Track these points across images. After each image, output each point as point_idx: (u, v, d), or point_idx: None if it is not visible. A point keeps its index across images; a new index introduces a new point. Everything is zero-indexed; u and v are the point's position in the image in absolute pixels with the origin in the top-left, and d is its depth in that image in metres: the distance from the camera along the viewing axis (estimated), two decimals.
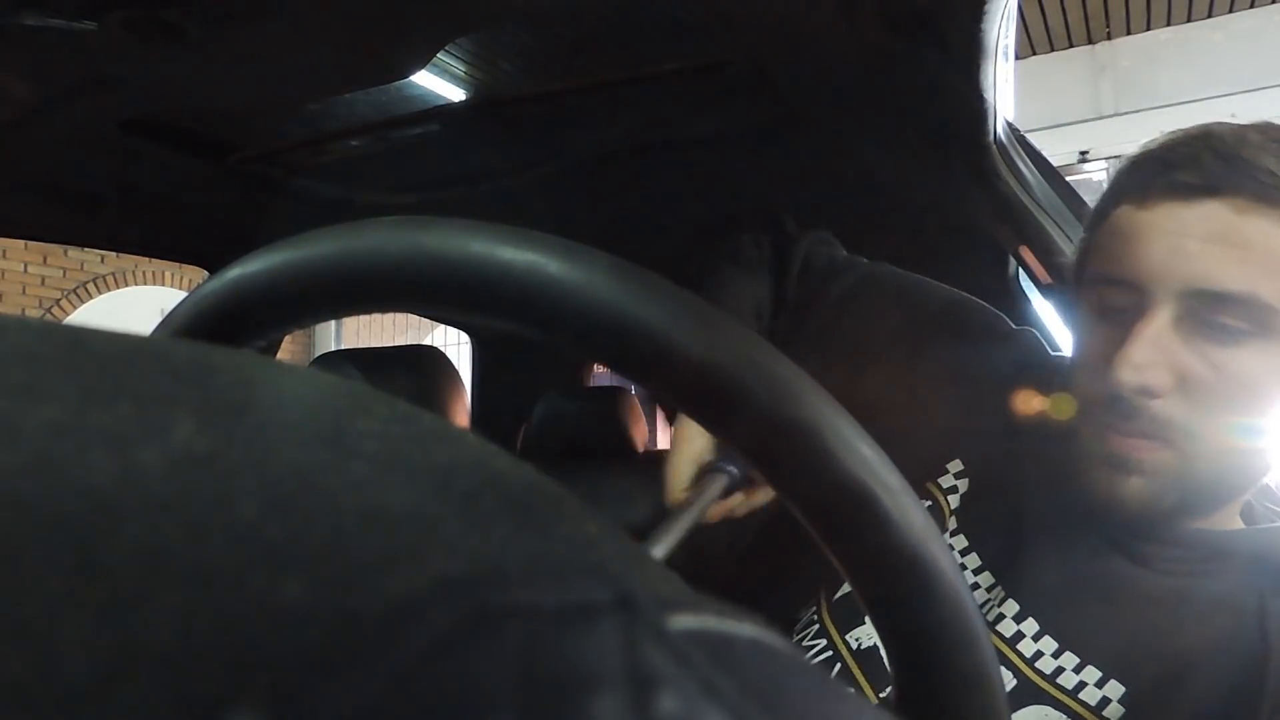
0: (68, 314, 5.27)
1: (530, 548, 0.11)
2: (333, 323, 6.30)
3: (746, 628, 0.12)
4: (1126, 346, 0.54)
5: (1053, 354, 0.76)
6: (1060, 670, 0.57)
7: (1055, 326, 1.17)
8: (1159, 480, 0.56)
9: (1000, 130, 0.99)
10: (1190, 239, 0.54)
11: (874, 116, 1.04)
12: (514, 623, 0.09)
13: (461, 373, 1.55)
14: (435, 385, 1.44)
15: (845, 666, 0.63)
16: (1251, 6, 4.35)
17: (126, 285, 5.62)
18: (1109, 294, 0.58)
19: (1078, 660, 0.57)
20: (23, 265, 5.12)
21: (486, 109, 1.05)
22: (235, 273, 0.29)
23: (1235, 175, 0.54)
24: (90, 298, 5.44)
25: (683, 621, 0.10)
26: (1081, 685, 0.56)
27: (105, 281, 5.51)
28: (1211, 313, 0.53)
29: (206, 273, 1.39)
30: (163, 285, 5.75)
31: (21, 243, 4.71)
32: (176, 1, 0.75)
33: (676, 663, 0.10)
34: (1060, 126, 4.58)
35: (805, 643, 0.66)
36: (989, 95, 0.88)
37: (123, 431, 0.10)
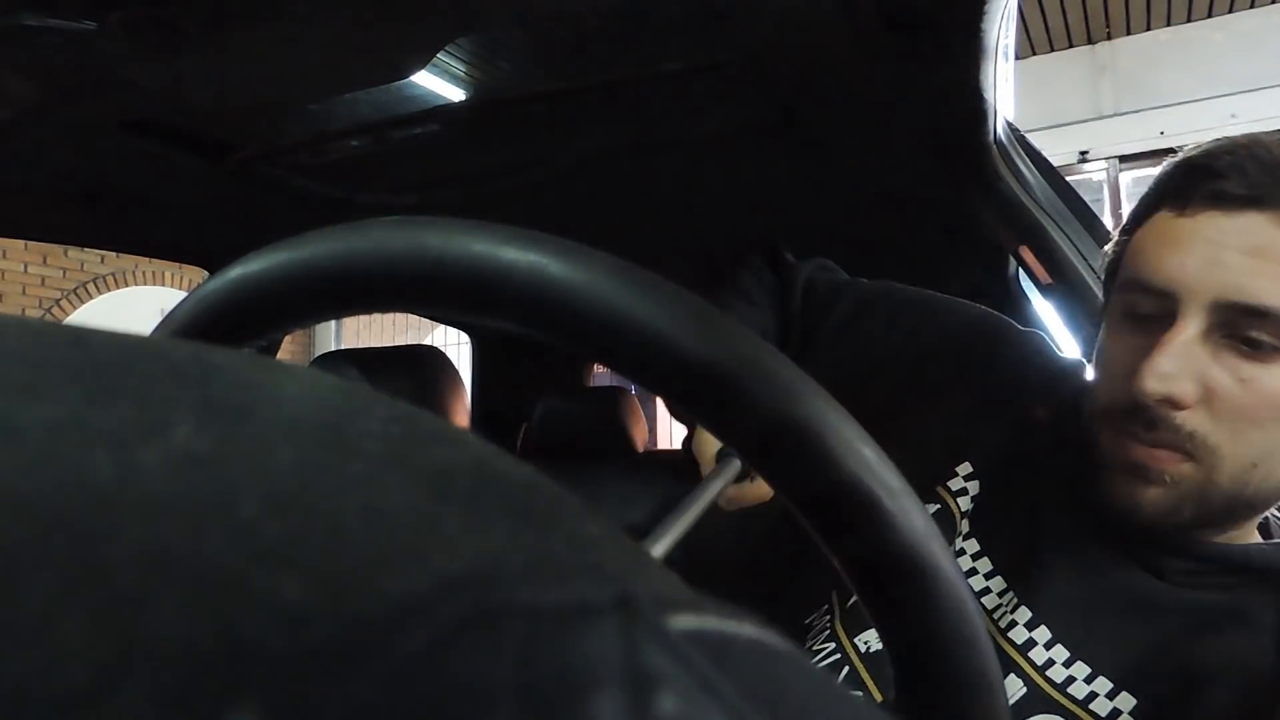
0: (68, 314, 5.27)
1: (530, 548, 0.11)
2: (333, 323, 6.30)
3: (746, 628, 0.12)
4: (1153, 355, 0.53)
5: (1062, 356, 0.76)
6: (1071, 680, 0.57)
7: (1055, 326, 1.17)
8: (1177, 492, 0.55)
9: (1000, 130, 0.99)
10: (1229, 250, 0.53)
11: (874, 116, 1.04)
12: (514, 623, 0.09)
13: (461, 373, 1.55)
14: (435, 385, 1.44)
15: (853, 670, 0.62)
16: (1251, 6, 4.35)
17: (126, 285, 5.62)
18: (1139, 300, 0.57)
19: (1089, 670, 0.57)
20: (23, 265, 5.12)
21: (486, 109, 1.05)
22: (236, 272, 0.29)
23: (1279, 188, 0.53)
24: (90, 298, 5.44)
25: (683, 621, 0.10)
26: (1093, 696, 0.56)
27: (105, 281, 5.51)
28: (1243, 327, 0.53)
29: (206, 273, 1.39)
30: (163, 285, 5.75)
31: (21, 243, 4.71)
32: (176, 1, 0.75)
33: (676, 663, 0.10)
34: (1060, 126, 4.58)
35: (815, 646, 0.66)
36: (989, 95, 0.88)
37: (123, 431, 0.10)
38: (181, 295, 0.32)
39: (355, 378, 1.26)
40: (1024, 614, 0.60)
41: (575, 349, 0.26)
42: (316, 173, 1.23)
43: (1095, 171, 4.59)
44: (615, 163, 1.21)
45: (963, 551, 0.65)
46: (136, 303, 5.57)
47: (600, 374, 3.70)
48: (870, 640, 0.63)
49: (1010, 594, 0.62)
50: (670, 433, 5.49)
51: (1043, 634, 0.59)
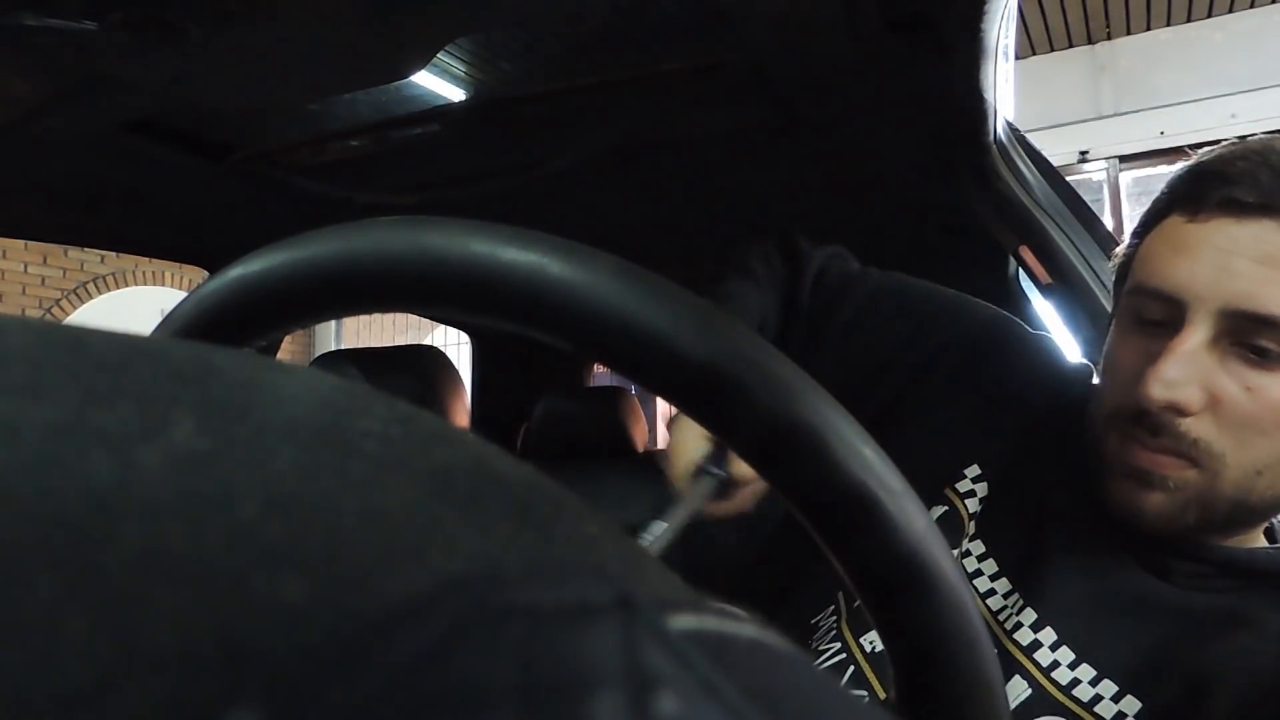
0: (68, 314, 5.27)
1: (530, 548, 0.11)
2: (333, 323, 6.30)
3: (746, 628, 0.12)
4: (1160, 362, 0.53)
5: (1070, 360, 0.76)
6: (1076, 682, 0.57)
7: (1055, 327, 1.17)
8: (1181, 498, 0.55)
9: (1000, 130, 0.99)
10: (1240, 257, 0.53)
11: (874, 116, 1.04)
12: (514, 622, 0.09)
13: (461, 373, 1.56)
14: (435, 385, 1.44)
15: (859, 669, 0.62)
16: (1251, 6, 4.35)
17: (126, 285, 5.62)
18: (1148, 305, 0.57)
19: (1094, 673, 0.57)
20: (23, 265, 5.12)
21: (486, 109, 1.05)
22: (236, 272, 0.29)
23: None
24: (90, 298, 5.44)
25: (683, 621, 0.10)
26: (1097, 699, 0.56)
27: (105, 281, 5.51)
28: (1251, 335, 0.52)
29: (206, 273, 1.39)
30: (163, 285, 5.75)
31: (21, 243, 4.71)
32: (176, 1, 0.75)
33: (676, 663, 0.10)
34: (1060, 126, 4.58)
35: (820, 646, 0.66)
36: (989, 95, 0.88)
37: (123, 431, 0.10)
38: (181, 295, 0.32)
39: (355, 378, 1.26)
40: (1029, 615, 0.60)
41: (575, 350, 0.26)
42: (316, 173, 1.23)
43: (1095, 171, 4.59)
44: (615, 163, 1.21)
45: (968, 553, 0.65)
46: (136, 303, 5.57)
47: (600, 374, 3.70)
48: (875, 640, 0.63)
49: (1015, 595, 0.61)
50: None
51: (1048, 635, 0.59)
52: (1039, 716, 0.56)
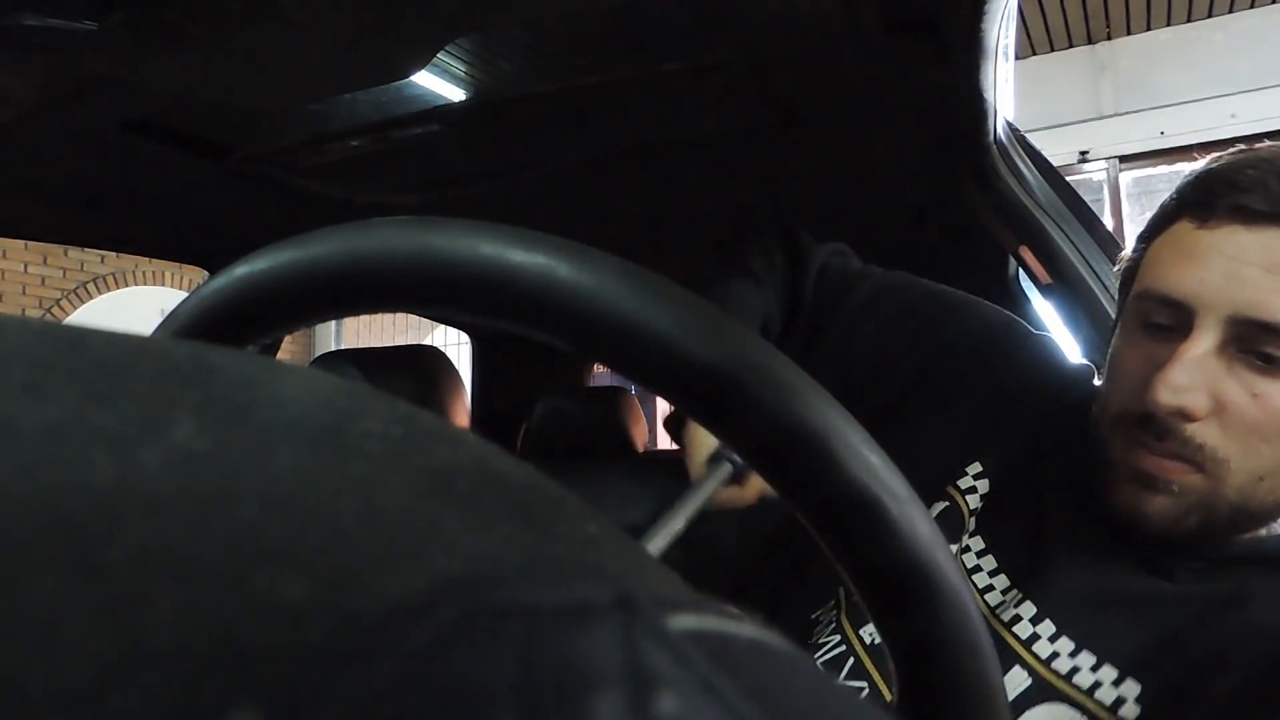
0: (68, 314, 5.27)
1: (530, 548, 0.11)
2: (333, 323, 6.31)
3: (746, 628, 0.12)
4: (1168, 367, 0.54)
5: (1072, 361, 0.76)
6: (1076, 669, 0.57)
7: (1055, 326, 1.17)
8: (1184, 502, 0.56)
9: (1000, 130, 0.99)
10: (1248, 265, 0.53)
11: (874, 116, 1.04)
12: (513, 622, 0.09)
13: (461, 373, 1.55)
14: (435, 385, 1.44)
15: (858, 661, 0.63)
16: (1251, 6, 4.35)
17: (126, 285, 5.62)
18: (1155, 310, 0.57)
19: (1094, 659, 0.57)
20: (23, 265, 5.12)
21: (486, 109, 1.05)
22: (240, 271, 0.29)
23: None
24: (90, 298, 5.44)
25: (683, 621, 0.10)
26: (1097, 685, 0.56)
27: (105, 281, 5.51)
28: (1258, 342, 0.53)
29: (206, 273, 1.39)
30: (163, 285, 5.75)
31: (21, 243, 4.71)
32: (176, 1, 0.75)
33: (676, 663, 0.10)
34: (1060, 126, 4.58)
35: (820, 640, 0.66)
36: (989, 95, 0.88)
37: (123, 431, 0.10)
38: (181, 295, 0.32)
39: (355, 378, 1.26)
40: (1028, 609, 0.60)
41: (580, 352, 0.26)
42: (316, 173, 1.23)
43: (1095, 171, 4.59)
44: (615, 163, 1.21)
45: (968, 549, 0.65)
46: (136, 303, 5.57)
47: (600, 374, 3.70)
48: (875, 632, 0.63)
49: (1014, 590, 0.62)
50: None
51: (1047, 628, 0.59)
52: (1039, 704, 0.56)
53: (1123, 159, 4.53)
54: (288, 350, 5.89)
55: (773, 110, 1.03)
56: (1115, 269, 0.69)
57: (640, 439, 1.78)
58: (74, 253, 5.27)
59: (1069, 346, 1.11)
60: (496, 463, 0.13)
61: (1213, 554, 0.59)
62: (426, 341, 4.00)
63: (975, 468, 0.68)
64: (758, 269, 0.80)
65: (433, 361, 1.47)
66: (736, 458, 0.58)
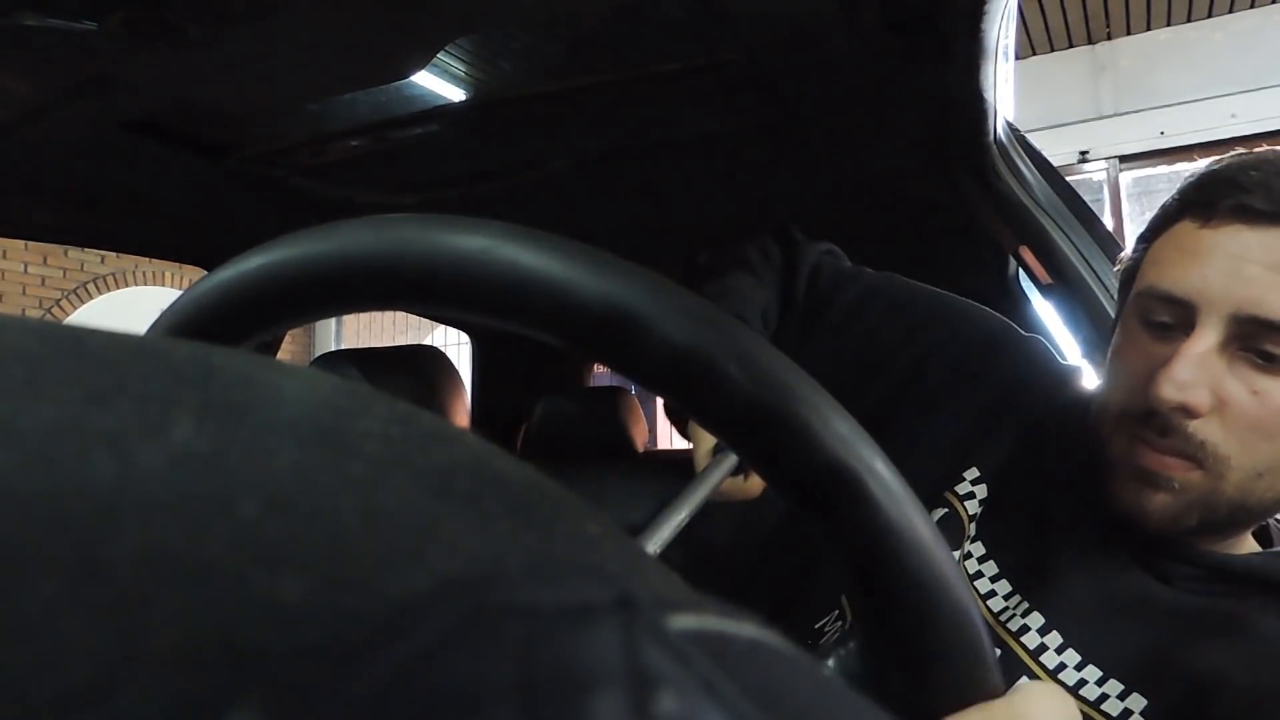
0: (68, 314, 5.27)
1: (530, 548, 0.11)
2: (333, 323, 6.31)
3: (746, 628, 0.12)
4: (1171, 364, 0.54)
5: (1063, 361, 0.76)
6: (1083, 683, 0.57)
7: (1055, 326, 1.17)
8: (1185, 499, 0.56)
9: (1000, 130, 0.99)
10: (1251, 264, 0.54)
11: (874, 116, 1.04)
12: (513, 623, 0.09)
13: (461, 373, 1.55)
14: (435, 385, 1.44)
15: None
16: (1251, 6, 4.35)
17: (126, 285, 5.62)
18: (1157, 308, 0.58)
19: (1100, 673, 0.57)
20: (23, 265, 5.12)
21: (486, 109, 1.04)
22: (226, 273, 0.30)
23: None
24: (90, 298, 5.44)
25: (683, 621, 0.10)
26: (1104, 697, 0.56)
27: (105, 281, 5.51)
28: (1260, 340, 0.54)
29: (206, 273, 1.39)
30: (163, 285, 5.75)
31: (21, 243, 4.72)
32: (176, 1, 0.75)
33: (676, 663, 0.10)
34: (1060, 126, 4.58)
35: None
36: (989, 95, 0.88)
37: (123, 431, 0.10)
38: None
39: (355, 378, 1.26)
40: (1036, 619, 0.60)
41: (551, 340, 0.26)
42: (316, 173, 1.23)
43: (1095, 171, 4.59)
44: (615, 163, 1.21)
45: (969, 555, 0.65)
46: (136, 303, 5.58)
47: (600, 374, 3.70)
48: None
49: (1017, 597, 0.62)
50: (670, 433, 5.49)
51: (1054, 639, 0.59)
52: None
53: (1123, 159, 4.53)
54: (288, 350, 5.89)
55: (772, 110, 1.02)
56: (1115, 269, 0.69)
57: (640, 439, 1.78)
58: (74, 253, 5.27)
59: (1069, 346, 1.11)
60: (496, 463, 0.13)
61: (1208, 561, 0.59)
62: (426, 341, 4.00)
63: (973, 473, 0.68)
64: (754, 264, 0.81)
65: (433, 361, 1.47)
66: None
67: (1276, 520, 0.67)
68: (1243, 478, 0.55)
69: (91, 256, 5.37)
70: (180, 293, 0.33)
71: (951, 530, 0.66)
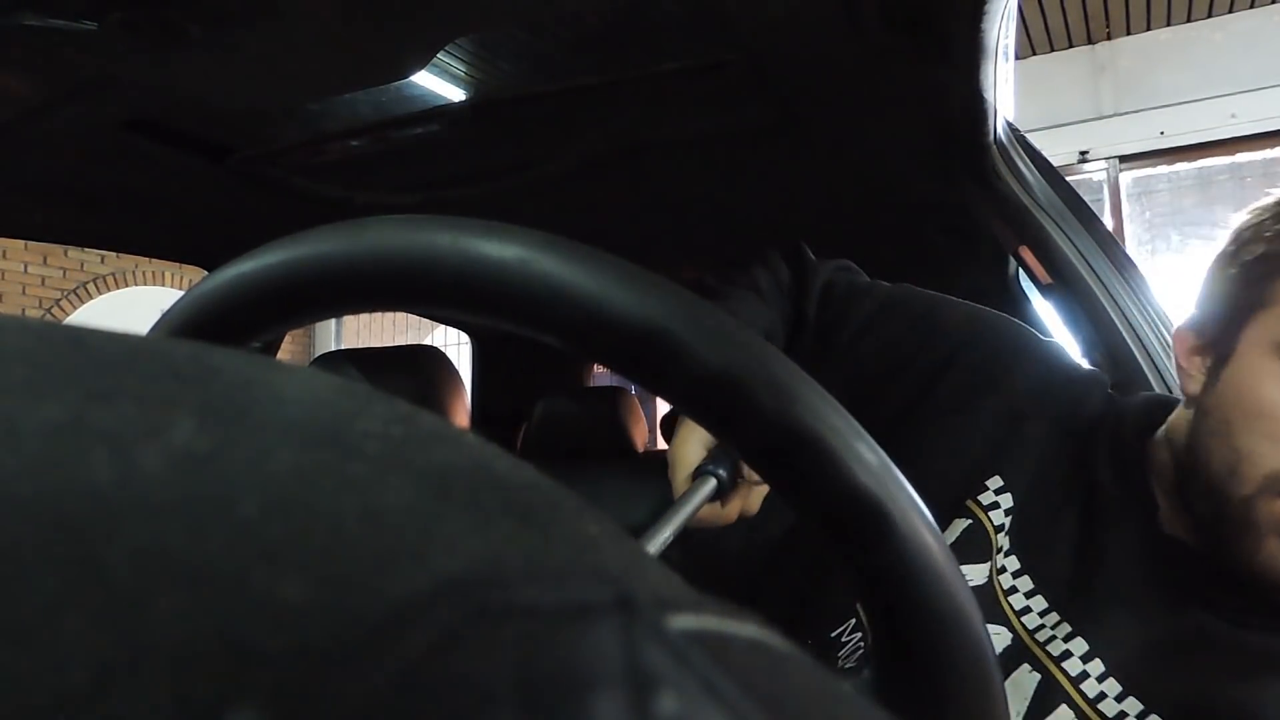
0: (68, 314, 5.27)
1: (530, 548, 0.11)
2: (333, 323, 6.31)
3: (747, 628, 0.12)
4: None
5: (1082, 366, 0.75)
6: (1123, 715, 0.56)
7: (1055, 326, 1.17)
8: None
9: (1000, 130, 0.99)
10: None
11: (874, 116, 1.04)
12: (514, 623, 0.09)
13: (461, 373, 1.55)
14: (435, 385, 1.44)
15: None
16: (1251, 6, 4.35)
17: (126, 285, 5.62)
18: None
19: (1141, 707, 0.56)
20: (23, 265, 5.12)
21: (486, 109, 1.04)
22: (229, 273, 0.30)
23: None
24: (90, 298, 5.44)
25: (683, 621, 0.10)
26: None
27: (105, 281, 5.51)
28: None
29: (206, 273, 1.39)
30: (163, 285, 5.75)
31: (21, 243, 4.72)
32: (176, 1, 0.75)
33: (676, 663, 0.10)
34: (1060, 126, 4.58)
35: (848, 665, 0.65)
36: (989, 95, 0.88)
37: (123, 431, 0.10)
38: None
39: (355, 378, 1.26)
40: (1080, 646, 0.59)
41: (584, 355, 0.26)
42: (316, 173, 1.23)
43: (1095, 171, 4.59)
44: (615, 163, 1.21)
45: (1003, 569, 0.63)
46: (136, 303, 5.57)
47: (600, 374, 3.70)
48: None
49: (1056, 616, 0.61)
50: None
51: (1096, 667, 0.58)
52: None
53: (1123, 159, 4.53)
54: (288, 350, 5.89)
55: (772, 110, 1.02)
56: (1200, 287, 0.64)
57: (640, 439, 1.78)
58: (74, 253, 5.27)
59: (1069, 346, 1.11)
60: (496, 463, 0.13)
61: (1261, 596, 0.56)
62: (426, 341, 4.00)
63: (996, 482, 0.67)
64: (762, 284, 0.79)
65: (433, 361, 1.47)
66: (722, 472, 0.57)
67: None
68: None
69: (91, 256, 5.37)
70: (180, 293, 0.33)
71: (977, 542, 0.64)
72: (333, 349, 1.81)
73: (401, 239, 0.26)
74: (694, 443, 0.62)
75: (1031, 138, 1.12)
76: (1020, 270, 1.28)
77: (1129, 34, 4.62)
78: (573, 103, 1.02)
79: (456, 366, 1.52)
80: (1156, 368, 0.99)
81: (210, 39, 0.81)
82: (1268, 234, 0.58)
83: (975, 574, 0.64)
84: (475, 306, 0.26)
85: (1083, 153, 4.59)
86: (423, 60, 0.91)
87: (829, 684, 0.13)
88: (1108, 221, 4.14)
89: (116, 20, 0.76)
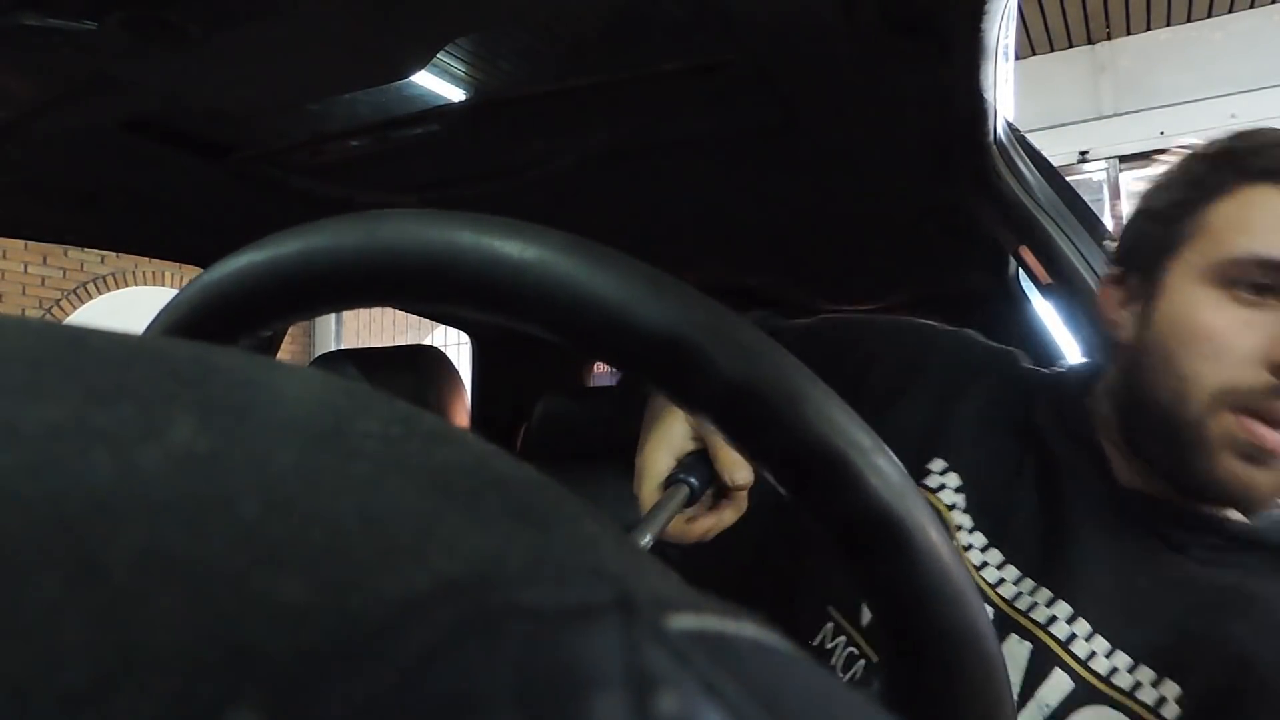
0: (68, 314, 5.27)
1: (530, 548, 0.11)
2: (332, 322, 6.31)
3: (747, 628, 0.12)
4: None
5: (991, 343, 0.78)
6: (1114, 670, 0.57)
7: (1055, 326, 1.17)
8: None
9: (1000, 130, 0.99)
10: None
11: (874, 116, 1.04)
12: (514, 623, 0.09)
13: (461, 373, 1.55)
14: (435, 385, 1.44)
15: (859, 650, 0.63)
16: (1251, 6, 4.35)
17: (126, 285, 5.62)
18: (1256, 274, 0.56)
19: (1130, 660, 0.57)
20: (23, 265, 5.12)
21: (486, 109, 1.04)
22: (218, 272, 0.30)
23: None
24: (90, 298, 5.44)
25: (683, 621, 0.10)
26: (1137, 685, 0.56)
27: (105, 281, 5.51)
28: None
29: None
30: (163, 285, 5.75)
31: (21, 243, 4.71)
32: (176, 1, 0.75)
33: (676, 663, 0.10)
34: (1060, 126, 4.58)
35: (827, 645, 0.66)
36: (989, 95, 0.88)
37: (123, 431, 0.10)
38: None
39: (355, 378, 1.26)
40: (1064, 609, 0.60)
41: (532, 329, 0.26)
42: (316, 173, 1.23)
43: (1095, 171, 4.60)
44: (615, 163, 1.21)
45: (969, 546, 0.65)
46: (136, 303, 5.58)
47: (600, 374, 3.70)
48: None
49: (1032, 583, 0.62)
50: None
51: (1082, 627, 0.59)
52: (1085, 706, 0.57)
53: (1122, 159, 4.53)
54: (288, 350, 5.89)
55: (772, 111, 1.02)
56: (1117, 244, 0.69)
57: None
58: (74, 253, 5.28)
59: (1069, 346, 1.11)
60: (496, 463, 0.13)
61: (1228, 531, 0.59)
62: (426, 341, 4.00)
63: (938, 464, 0.68)
64: None
65: (433, 361, 1.47)
66: (694, 480, 0.57)
67: None
68: None
69: (91, 256, 5.37)
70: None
71: None
72: (333, 349, 1.81)
73: (422, 234, 0.26)
74: (664, 453, 0.60)
75: (1031, 138, 1.12)
76: (1020, 270, 1.28)
77: (1129, 34, 4.63)
78: (573, 103, 1.02)
79: (456, 366, 1.52)
80: None
81: (210, 39, 0.81)
82: (1176, 181, 0.64)
83: None
84: (495, 307, 0.26)
85: (1083, 153, 4.59)
86: (423, 60, 0.91)
87: (829, 684, 0.13)
88: (1108, 221, 4.14)
89: (116, 20, 0.76)
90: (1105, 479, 0.63)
